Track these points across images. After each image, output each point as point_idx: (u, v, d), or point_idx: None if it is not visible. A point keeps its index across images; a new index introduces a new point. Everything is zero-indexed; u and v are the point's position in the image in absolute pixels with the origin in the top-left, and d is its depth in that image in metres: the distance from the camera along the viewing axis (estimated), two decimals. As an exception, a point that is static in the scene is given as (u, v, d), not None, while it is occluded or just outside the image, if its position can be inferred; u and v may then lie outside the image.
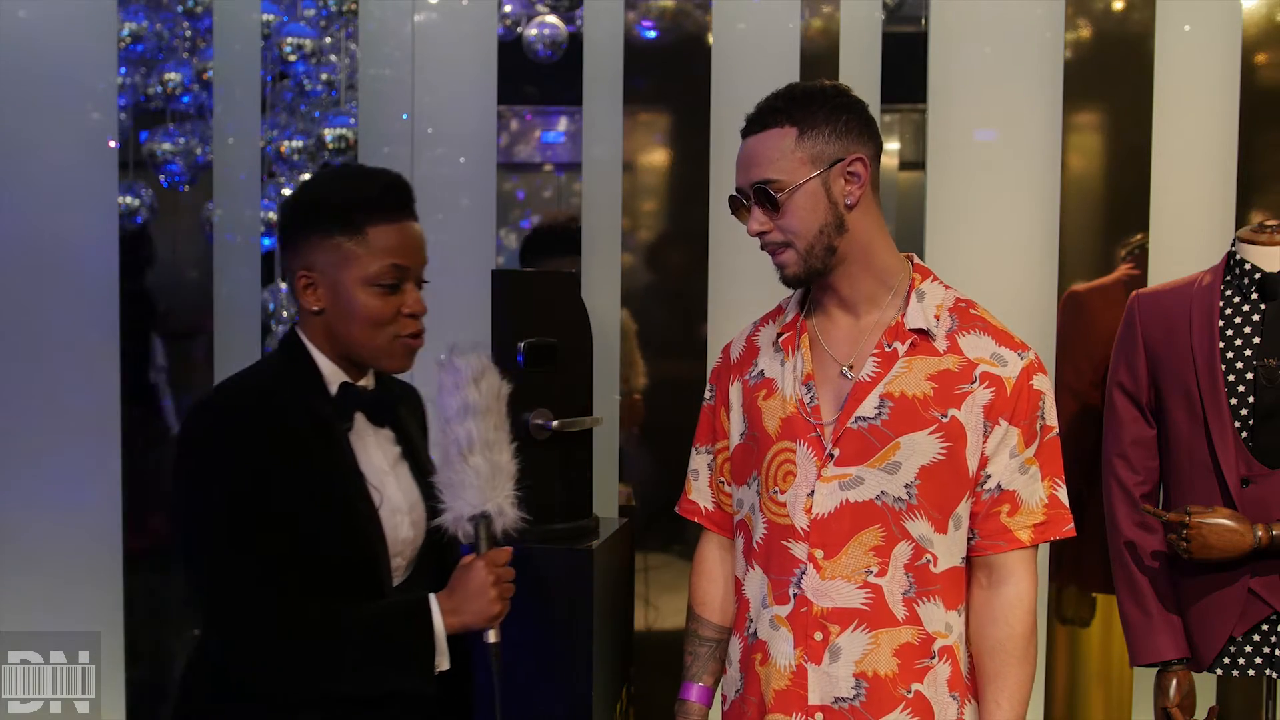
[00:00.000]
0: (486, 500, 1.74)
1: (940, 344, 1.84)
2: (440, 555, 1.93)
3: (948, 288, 1.91)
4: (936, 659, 1.84)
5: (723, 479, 2.03)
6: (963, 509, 1.85)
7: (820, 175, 1.80)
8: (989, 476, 1.84)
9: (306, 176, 3.36)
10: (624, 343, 3.24)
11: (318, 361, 1.81)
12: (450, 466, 1.74)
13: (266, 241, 3.40)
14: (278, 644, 1.67)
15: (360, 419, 1.83)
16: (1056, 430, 1.89)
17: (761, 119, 1.83)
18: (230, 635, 1.69)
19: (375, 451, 1.85)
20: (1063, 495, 1.88)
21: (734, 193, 1.88)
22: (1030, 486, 1.86)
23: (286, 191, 3.37)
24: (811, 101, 1.82)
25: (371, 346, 1.79)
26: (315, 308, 1.79)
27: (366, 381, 1.87)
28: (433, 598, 1.75)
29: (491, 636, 1.77)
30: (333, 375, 1.81)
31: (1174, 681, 2.42)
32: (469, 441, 1.73)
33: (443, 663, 1.74)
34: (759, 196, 1.82)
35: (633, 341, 3.25)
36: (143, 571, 3.39)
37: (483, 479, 1.73)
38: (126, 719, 3.36)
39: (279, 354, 1.84)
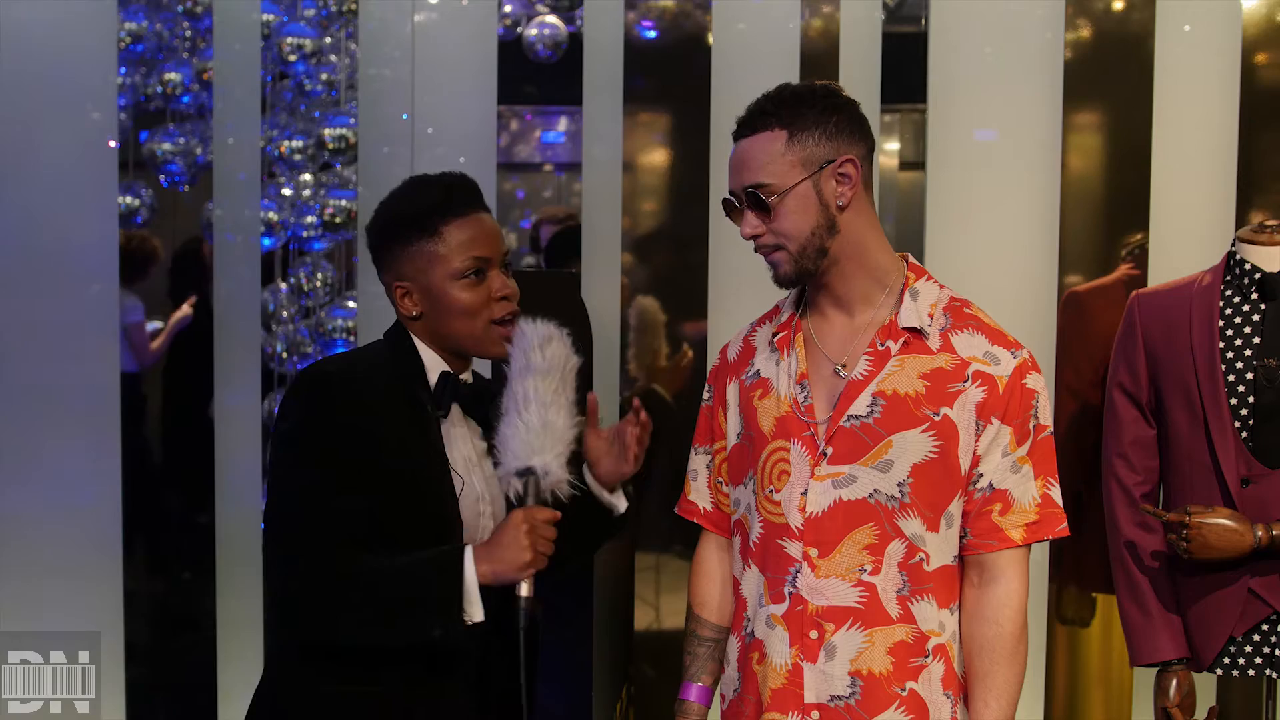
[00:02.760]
0: (533, 455, 1.76)
1: (934, 342, 1.84)
2: None
3: (942, 287, 1.91)
4: (931, 658, 1.84)
5: (720, 479, 2.03)
6: (954, 507, 1.85)
7: (811, 178, 1.81)
8: (981, 475, 1.84)
9: (307, 179, 3.36)
10: (647, 335, 3.24)
11: (420, 352, 1.91)
12: (504, 422, 1.79)
13: (266, 242, 3.40)
14: (326, 585, 1.72)
15: (455, 410, 1.92)
16: (1050, 430, 1.89)
17: (751, 122, 1.84)
18: (287, 575, 1.74)
19: (464, 442, 1.93)
20: (1056, 495, 1.88)
21: (727, 195, 1.88)
22: (1022, 486, 1.85)
23: (287, 191, 3.37)
24: (801, 103, 1.82)
25: (471, 336, 1.89)
26: (414, 313, 1.90)
27: (466, 376, 1.96)
28: (468, 548, 1.76)
29: (523, 589, 1.76)
30: (434, 365, 1.91)
31: (1174, 681, 2.42)
32: (524, 398, 1.78)
33: (474, 614, 1.74)
34: (750, 200, 1.83)
35: (660, 334, 3.24)
36: (143, 571, 3.39)
37: (532, 434, 1.76)
38: (126, 719, 3.36)
39: (384, 343, 1.94)
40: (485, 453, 1.95)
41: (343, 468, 1.76)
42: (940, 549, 1.85)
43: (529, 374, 1.79)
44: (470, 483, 1.90)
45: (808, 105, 1.82)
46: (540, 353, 1.81)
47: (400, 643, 1.79)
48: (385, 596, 1.73)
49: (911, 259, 1.93)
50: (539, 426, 1.77)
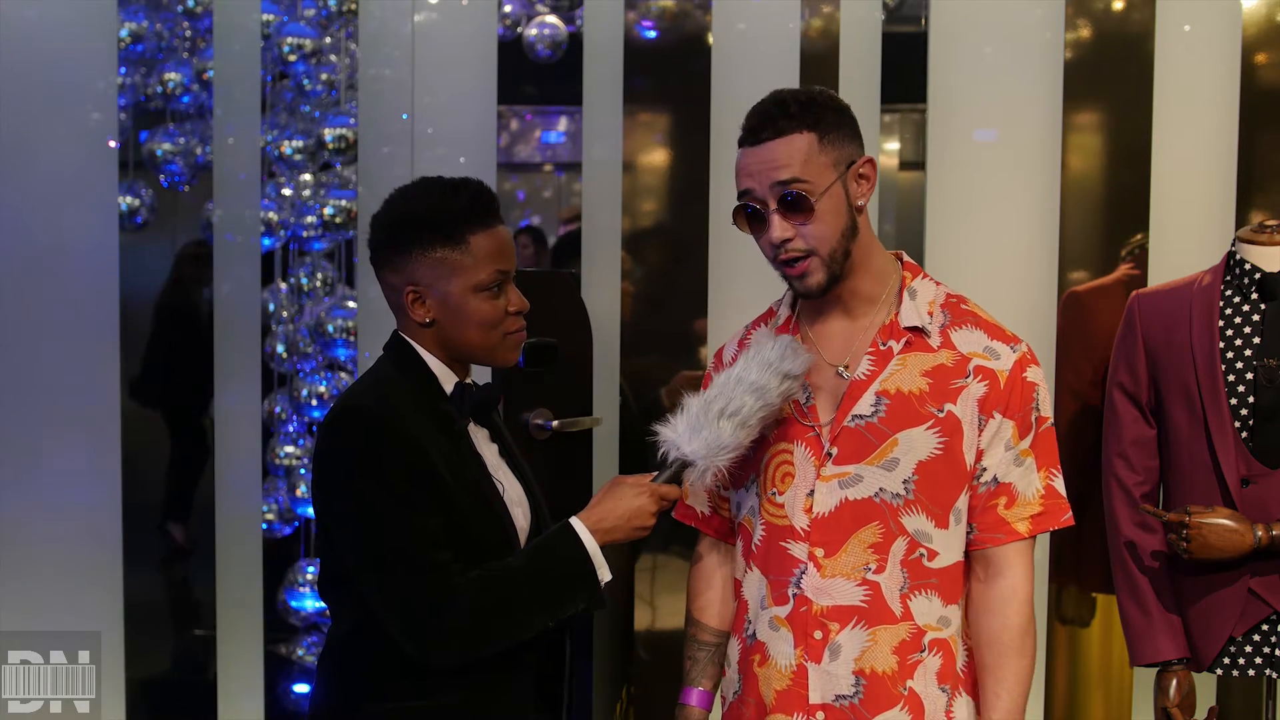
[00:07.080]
0: (707, 458, 1.81)
1: (934, 340, 1.85)
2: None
3: (938, 284, 1.92)
4: (926, 652, 1.84)
5: (719, 483, 2.02)
6: (962, 503, 1.85)
7: (840, 179, 1.81)
8: (985, 469, 1.85)
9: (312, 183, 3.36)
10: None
11: (430, 365, 1.87)
12: (707, 413, 1.82)
13: (266, 241, 3.40)
14: (467, 610, 1.74)
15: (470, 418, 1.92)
16: (1051, 421, 1.89)
17: (775, 124, 1.79)
18: (418, 614, 1.74)
19: (485, 447, 1.93)
20: (1059, 485, 1.89)
21: (740, 201, 1.83)
22: (1026, 478, 1.86)
23: (287, 191, 3.37)
24: (819, 106, 1.81)
25: (485, 347, 1.87)
26: (426, 320, 1.85)
27: (470, 381, 1.94)
28: (576, 521, 1.84)
29: (605, 574, 1.85)
30: (445, 377, 1.88)
31: (1174, 681, 2.42)
32: (735, 409, 1.81)
33: (604, 574, 1.83)
34: (785, 202, 1.79)
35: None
36: (143, 571, 3.39)
37: (717, 440, 1.81)
38: (126, 719, 3.36)
39: (390, 363, 1.89)
40: (499, 455, 1.95)
41: (420, 490, 1.76)
42: (949, 545, 1.85)
43: (752, 392, 1.81)
44: (506, 485, 1.91)
45: (824, 108, 1.81)
46: (776, 376, 1.82)
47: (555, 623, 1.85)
48: (528, 600, 1.78)
49: (906, 257, 1.93)
50: (725, 440, 1.81)
